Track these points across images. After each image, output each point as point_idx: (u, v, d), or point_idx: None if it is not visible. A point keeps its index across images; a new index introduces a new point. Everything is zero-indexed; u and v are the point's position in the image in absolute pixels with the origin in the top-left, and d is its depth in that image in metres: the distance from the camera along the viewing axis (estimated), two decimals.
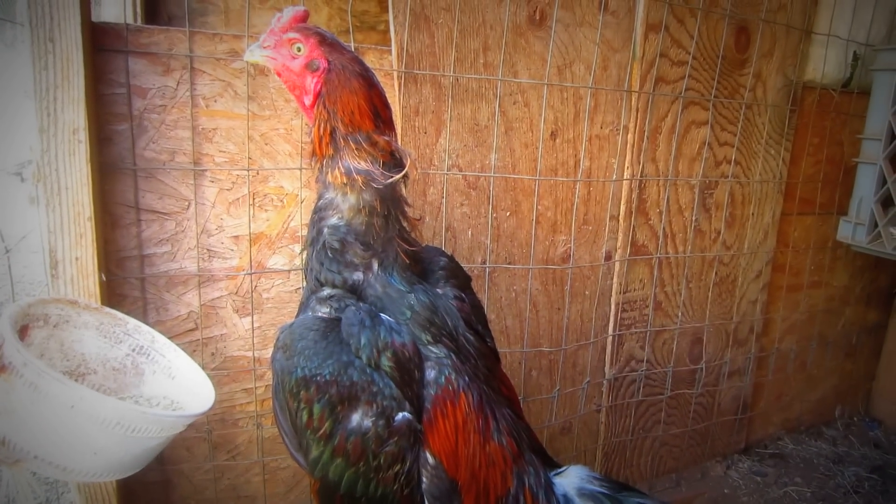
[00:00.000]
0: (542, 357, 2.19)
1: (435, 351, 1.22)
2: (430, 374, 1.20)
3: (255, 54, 1.30)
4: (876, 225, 2.33)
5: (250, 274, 1.76)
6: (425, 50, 1.83)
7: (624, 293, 2.26)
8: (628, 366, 2.34)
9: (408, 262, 1.27)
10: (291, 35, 1.27)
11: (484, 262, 2.02)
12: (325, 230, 1.26)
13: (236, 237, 1.75)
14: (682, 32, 2.12)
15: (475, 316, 1.36)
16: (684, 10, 2.10)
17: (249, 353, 1.81)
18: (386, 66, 1.81)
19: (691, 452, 2.60)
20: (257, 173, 1.74)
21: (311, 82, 1.27)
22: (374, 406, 1.13)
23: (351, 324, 1.18)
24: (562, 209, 2.12)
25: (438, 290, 1.34)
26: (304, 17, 1.32)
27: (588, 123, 2.09)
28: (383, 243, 1.26)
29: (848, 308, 2.87)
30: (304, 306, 1.34)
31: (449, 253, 1.52)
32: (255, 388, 1.82)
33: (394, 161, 1.25)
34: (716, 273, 2.42)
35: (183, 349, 1.39)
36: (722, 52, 2.20)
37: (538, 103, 2.01)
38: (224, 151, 1.70)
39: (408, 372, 1.17)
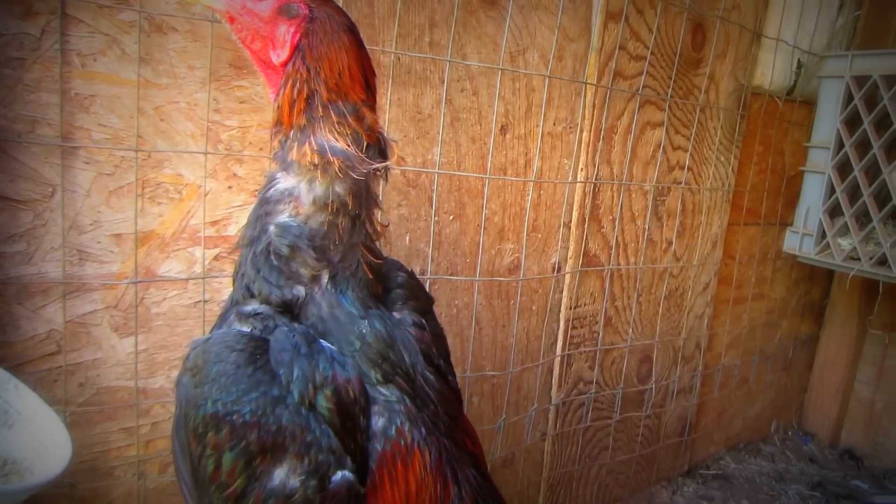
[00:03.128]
0: (485, 381, 1.93)
1: (385, 393, 0.94)
2: (378, 422, 0.92)
3: None
4: (824, 235, 2.26)
5: (135, 283, 1.39)
6: (363, 20, 1.55)
7: (574, 308, 2.05)
8: (576, 388, 2.13)
9: (371, 277, 1.02)
10: None
11: (423, 273, 1.74)
12: (272, 229, 0.98)
13: (118, 235, 1.38)
14: (641, 24, 1.95)
15: (436, 348, 1.10)
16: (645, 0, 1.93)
17: (131, 383, 1.44)
18: None
19: (637, 478, 2.43)
20: (149, 156, 1.39)
21: (285, 31, 1.01)
22: (306, 460, 0.84)
23: (282, 349, 0.90)
24: (510, 213, 1.89)
25: (395, 315, 1.08)
26: None
27: (541, 118, 1.87)
28: (344, 251, 1.00)
29: (784, 321, 2.82)
30: (222, 318, 1.06)
31: (408, 268, 1.24)
32: (138, 426, 1.45)
33: (378, 146, 1.01)
34: (666, 286, 2.26)
35: (32, 384, 1.02)
36: (679, 49, 2.06)
37: (488, 92, 1.77)
38: (105, 126, 1.33)
39: (351, 417, 0.88)
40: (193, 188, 1.45)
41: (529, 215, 1.92)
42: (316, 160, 0.97)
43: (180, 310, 1.49)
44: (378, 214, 1.10)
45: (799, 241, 2.33)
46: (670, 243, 2.24)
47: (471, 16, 1.70)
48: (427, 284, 1.75)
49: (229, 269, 1.53)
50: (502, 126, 1.81)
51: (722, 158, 2.31)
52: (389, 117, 1.62)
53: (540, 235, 1.95)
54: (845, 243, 2.20)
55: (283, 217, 0.99)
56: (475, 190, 1.80)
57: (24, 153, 1.26)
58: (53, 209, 1.31)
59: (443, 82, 1.68)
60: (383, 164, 1.05)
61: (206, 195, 1.46)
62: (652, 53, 1.99)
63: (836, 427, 2.91)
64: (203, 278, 1.47)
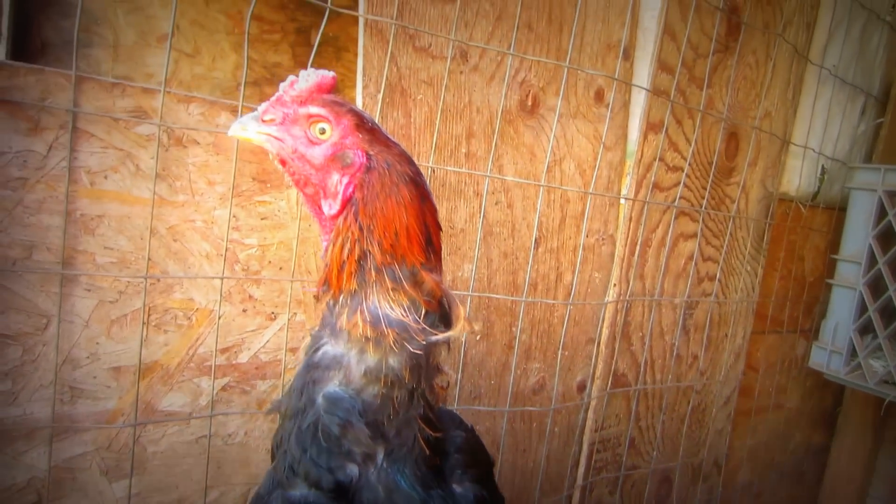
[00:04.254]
0: None
1: None
2: None
3: (249, 129, 0.92)
4: (854, 354, 2.16)
5: (134, 426, 1.23)
6: (399, 131, 1.44)
7: (599, 431, 1.91)
8: None
9: (428, 452, 0.90)
10: (314, 110, 0.91)
11: (446, 401, 1.59)
12: (321, 402, 0.87)
13: (117, 369, 1.22)
14: (680, 135, 1.87)
15: None
16: (683, 110, 1.85)
17: None
18: None
19: None
20: (158, 281, 1.24)
21: (338, 181, 0.91)
22: None
23: None
24: (538, 331, 1.76)
25: (456, 488, 0.96)
26: (332, 86, 0.93)
27: (574, 231, 1.76)
28: (399, 426, 0.89)
29: (798, 431, 2.71)
30: (260, 502, 0.92)
31: (469, 424, 1.11)
32: None
33: (441, 312, 0.90)
34: (690, 403, 2.14)
35: None
36: (715, 159, 1.98)
37: (523, 205, 1.66)
38: (111, 248, 1.19)
39: None
40: (204, 313, 1.30)
41: (557, 333, 1.79)
42: (368, 332, 0.86)
43: (180, 447, 1.32)
44: (440, 378, 0.98)
45: (826, 358, 2.23)
46: (696, 358, 2.12)
47: (509, 125, 1.60)
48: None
49: (238, 399, 1.38)
50: (535, 239, 1.70)
51: (748, 268, 2.22)
52: None
53: (567, 353, 1.82)
54: (878, 365, 2.11)
55: (333, 386, 0.88)
56: (504, 307, 1.67)
57: (17, 282, 1.11)
58: (46, 343, 1.15)
59: (478, 195, 1.57)
60: (445, 336, 0.92)
61: (219, 319, 1.31)
62: (689, 164, 1.91)
63: None
64: (210, 416, 1.31)
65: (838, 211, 2.48)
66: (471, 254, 1.58)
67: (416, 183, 0.93)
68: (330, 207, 0.94)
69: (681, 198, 1.91)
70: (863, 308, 2.13)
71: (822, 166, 2.40)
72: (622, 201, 1.81)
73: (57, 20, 1.79)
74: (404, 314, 0.87)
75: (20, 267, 1.10)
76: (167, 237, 1.24)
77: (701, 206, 1.96)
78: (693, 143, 1.89)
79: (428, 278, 0.91)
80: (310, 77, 0.92)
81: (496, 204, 1.62)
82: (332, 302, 0.91)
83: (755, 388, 2.43)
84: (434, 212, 0.96)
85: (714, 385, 2.20)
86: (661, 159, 1.83)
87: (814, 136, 2.29)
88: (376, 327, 0.86)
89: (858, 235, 2.17)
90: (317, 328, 0.98)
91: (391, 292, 0.88)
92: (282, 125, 0.92)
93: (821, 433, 2.84)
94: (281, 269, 1.38)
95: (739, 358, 2.29)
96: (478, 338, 1.64)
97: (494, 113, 1.56)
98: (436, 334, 0.90)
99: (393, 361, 0.87)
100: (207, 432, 1.33)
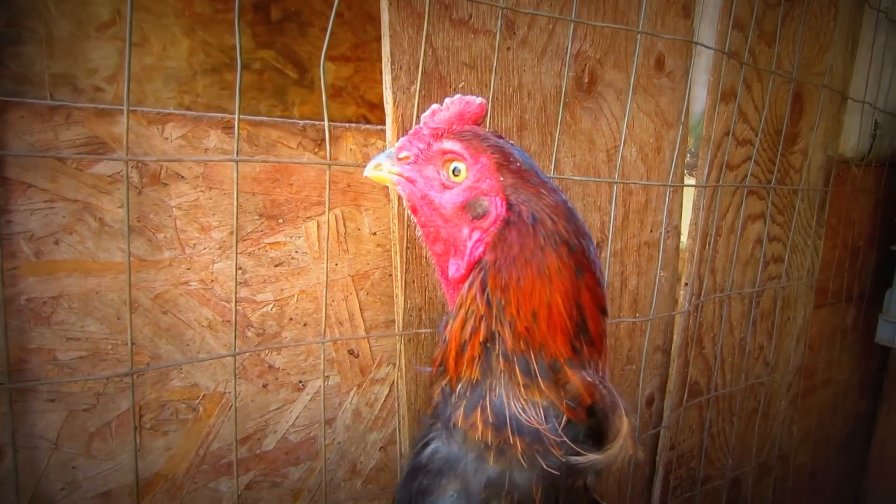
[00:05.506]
0: None
1: None
2: None
3: (383, 168, 0.76)
4: None
5: None
6: None
7: (675, 448, 1.66)
8: None
9: None
10: (448, 146, 0.73)
11: None
12: None
13: (105, 495, 0.91)
14: (749, 103, 1.58)
15: None
16: (752, 73, 1.55)
17: None
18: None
19: None
20: (147, 370, 0.91)
21: (465, 236, 0.73)
22: None
23: None
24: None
25: None
26: (480, 116, 0.75)
27: (637, 227, 1.47)
28: None
29: (847, 401, 2.53)
30: None
31: None
32: None
33: (591, 419, 0.70)
34: (756, 398, 1.91)
35: None
36: (783, 125, 1.69)
37: (582, 204, 1.36)
38: (77, 339, 0.85)
39: None
40: (214, 399, 0.98)
41: (623, 346, 1.53)
42: (490, 438, 0.68)
43: None
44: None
45: (894, 334, 2.02)
46: (762, 349, 1.88)
47: (565, 109, 1.28)
48: None
49: (268, 495, 1.07)
50: (597, 242, 1.41)
51: (809, 243, 1.97)
52: None
53: (634, 367, 1.56)
54: None
55: (448, 500, 0.70)
56: None
57: None
58: (0, 482, 0.82)
59: None
60: (590, 460, 0.68)
61: (236, 399, 0.99)
62: (758, 136, 1.62)
63: None
64: None
65: (888, 168, 2.25)
66: None
67: (571, 247, 0.70)
68: (456, 269, 0.74)
69: (751, 175, 1.63)
70: None
71: (875, 121, 2.16)
72: (692, 189, 1.52)
73: None
74: (538, 419, 0.68)
75: None
76: (153, 310, 0.90)
77: (769, 182, 1.68)
78: (764, 111, 1.59)
79: (574, 378, 0.69)
80: (452, 105, 0.73)
81: None
82: (447, 389, 0.73)
83: (811, 367, 2.22)
84: (594, 289, 0.72)
85: (777, 374, 1.97)
86: (732, 133, 1.54)
87: (869, 90, 2.03)
88: (500, 432, 0.68)
89: None
90: (427, 414, 0.78)
91: (522, 388, 0.69)
92: (415, 164, 0.75)
93: (867, 400, 2.67)
94: (305, 325, 1.06)
95: (801, 340, 2.06)
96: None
97: (548, 96, 1.24)
98: (580, 454, 0.67)
99: (519, 477, 0.68)
100: None
